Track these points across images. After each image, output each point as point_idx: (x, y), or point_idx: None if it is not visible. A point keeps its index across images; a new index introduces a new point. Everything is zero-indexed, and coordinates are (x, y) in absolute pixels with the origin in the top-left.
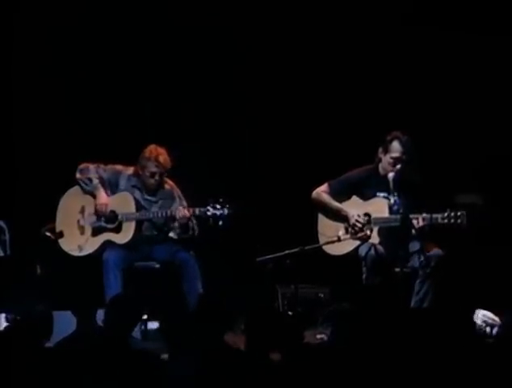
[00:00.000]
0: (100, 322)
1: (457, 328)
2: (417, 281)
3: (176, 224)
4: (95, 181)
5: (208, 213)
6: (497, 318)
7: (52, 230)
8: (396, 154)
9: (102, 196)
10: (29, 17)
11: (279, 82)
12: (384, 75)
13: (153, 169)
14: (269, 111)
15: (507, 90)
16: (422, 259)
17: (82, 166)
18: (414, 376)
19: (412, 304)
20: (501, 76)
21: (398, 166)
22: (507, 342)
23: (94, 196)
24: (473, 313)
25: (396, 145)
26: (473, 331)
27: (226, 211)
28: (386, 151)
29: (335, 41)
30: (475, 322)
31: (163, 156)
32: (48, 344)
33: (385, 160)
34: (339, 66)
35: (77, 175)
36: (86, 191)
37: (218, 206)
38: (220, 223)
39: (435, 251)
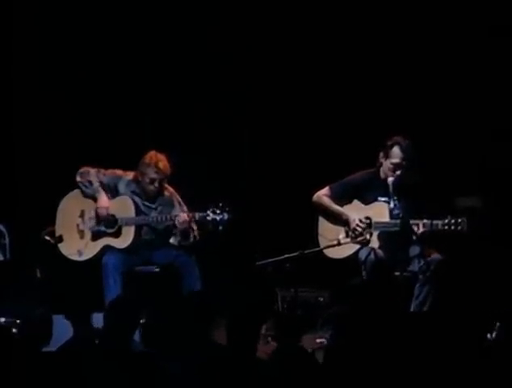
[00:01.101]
0: (98, 326)
1: (458, 332)
2: (417, 285)
3: (177, 231)
4: (96, 184)
5: (208, 218)
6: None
7: (52, 234)
8: (396, 160)
9: (104, 199)
10: (30, 21)
11: (279, 85)
12: (385, 78)
13: (153, 175)
14: (269, 114)
15: (506, 94)
16: (422, 263)
17: (83, 169)
18: (414, 379)
19: (412, 308)
20: (499, 77)
21: (398, 172)
22: (505, 344)
23: (94, 200)
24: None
25: (396, 151)
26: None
27: (226, 215)
28: (387, 156)
29: (336, 44)
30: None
31: (163, 162)
32: (48, 348)
33: (386, 165)
34: (340, 69)
35: (78, 179)
36: (86, 195)
37: (218, 211)
38: (220, 228)
39: (435, 256)
